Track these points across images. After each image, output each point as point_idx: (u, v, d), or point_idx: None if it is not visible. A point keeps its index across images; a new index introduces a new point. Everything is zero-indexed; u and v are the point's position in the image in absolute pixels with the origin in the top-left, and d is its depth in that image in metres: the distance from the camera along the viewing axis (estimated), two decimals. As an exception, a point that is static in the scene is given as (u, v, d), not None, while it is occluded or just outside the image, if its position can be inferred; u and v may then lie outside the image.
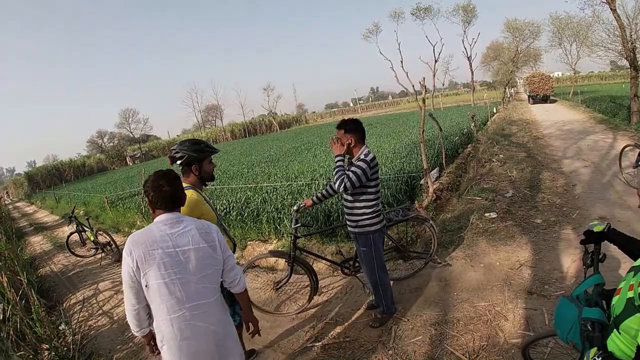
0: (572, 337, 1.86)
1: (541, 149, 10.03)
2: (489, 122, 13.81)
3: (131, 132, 62.66)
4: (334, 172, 3.44)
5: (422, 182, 6.94)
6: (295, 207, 4.10)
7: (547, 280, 4.11)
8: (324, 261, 4.62)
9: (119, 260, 6.88)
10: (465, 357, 3.17)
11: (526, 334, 3.32)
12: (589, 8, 15.05)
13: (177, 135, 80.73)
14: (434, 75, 42.21)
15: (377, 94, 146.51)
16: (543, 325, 3.39)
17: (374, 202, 3.54)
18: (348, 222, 3.69)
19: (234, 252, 2.96)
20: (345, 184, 3.29)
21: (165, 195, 2.11)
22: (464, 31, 41.58)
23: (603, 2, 12.51)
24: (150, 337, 2.23)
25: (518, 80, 45.28)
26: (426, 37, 39.20)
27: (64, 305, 6.29)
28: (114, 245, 7.90)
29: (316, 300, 4.50)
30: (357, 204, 3.53)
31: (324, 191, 4.02)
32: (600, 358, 1.66)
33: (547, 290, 3.92)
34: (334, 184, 3.40)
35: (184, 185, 2.64)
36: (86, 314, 5.65)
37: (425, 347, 3.42)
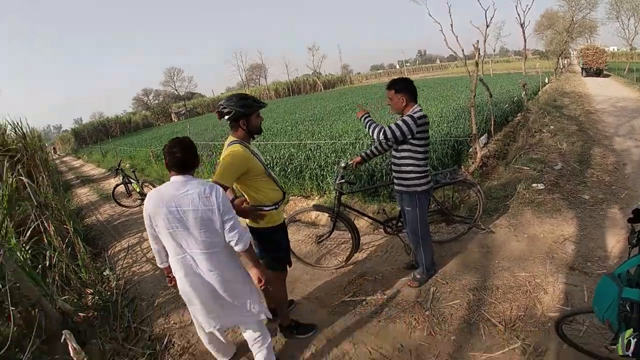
0: (609, 315, 1.86)
1: (593, 124, 9.58)
2: (540, 92, 13.21)
3: (176, 90, 65.30)
4: (367, 128, 3.51)
5: (469, 147, 6.82)
6: (342, 164, 4.14)
7: (590, 257, 4.05)
8: (366, 218, 4.69)
9: None
10: (502, 325, 3.21)
11: (564, 309, 3.31)
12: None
13: (221, 93, 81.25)
14: (485, 40, 39.83)
15: (424, 57, 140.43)
16: (582, 302, 3.37)
17: (423, 162, 3.55)
18: (395, 181, 3.72)
19: (282, 200, 3.13)
20: (385, 132, 3.34)
21: (177, 160, 2.44)
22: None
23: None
24: (169, 270, 2.74)
25: (572, 52, 42.63)
26: (478, 1, 36.18)
27: (109, 252, 6.65)
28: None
29: (356, 257, 4.62)
30: (405, 161, 3.55)
31: (373, 148, 4.03)
32: (635, 340, 1.68)
33: (589, 268, 3.87)
34: (374, 134, 3.43)
35: (232, 139, 2.92)
36: (130, 260, 5.96)
37: (462, 311, 3.48)
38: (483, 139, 7.29)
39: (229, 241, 2.53)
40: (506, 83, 16.41)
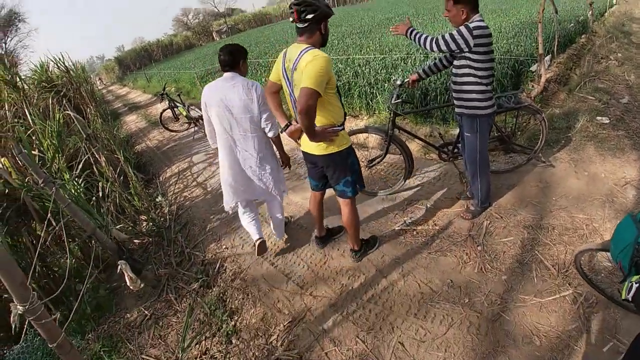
0: (622, 258, 1.82)
1: (669, 53, 8.74)
2: (606, 14, 11.98)
3: (215, 7, 65.17)
4: (416, 41, 3.24)
5: (533, 68, 6.28)
6: (398, 82, 3.80)
7: None
8: (420, 142, 4.44)
9: None
10: (555, 269, 3.13)
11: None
12: None
13: (262, 7, 76.77)
14: None
15: None
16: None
17: (486, 81, 3.22)
18: (455, 102, 3.44)
19: (344, 119, 2.90)
20: (438, 42, 3.09)
21: (223, 61, 3.10)
22: None
23: None
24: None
25: None
26: None
27: (160, 178, 6.71)
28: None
29: (408, 183, 4.48)
30: (466, 79, 3.23)
31: (431, 64, 3.68)
32: (638, 284, 1.67)
33: None
34: (427, 45, 3.17)
35: (306, 46, 2.56)
36: (181, 186, 5.94)
37: (515, 249, 3.41)
38: (547, 60, 6.69)
39: (264, 127, 3.20)
40: (570, 0, 14.91)
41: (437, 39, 3.08)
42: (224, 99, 3.06)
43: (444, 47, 3.08)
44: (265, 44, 20.18)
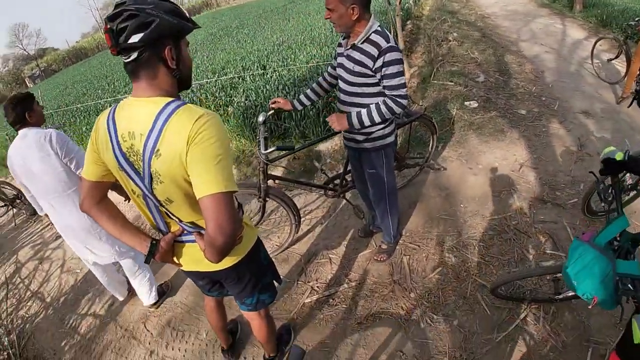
0: (599, 294, 1.65)
1: (493, 29, 9.54)
2: None
3: (25, 50, 59.52)
4: (365, 121, 2.47)
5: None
6: (261, 118, 2.87)
7: (556, 185, 3.81)
8: (304, 188, 3.69)
9: (34, 212, 5.58)
10: (502, 291, 2.71)
11: (556, 254, 3.02)
12: None
13: (77, 42, 71.30)
14: None
15: None
16: (569, 242, 3.06)
17: None
18: (353, 136, 2.73)
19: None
20: (402, 104, 2.38)
21: (9, 122, 2.78)
22: None
23: None
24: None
25: None
26: None
27: None
28: (23, 197, 6.22)
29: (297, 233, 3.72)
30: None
31: (309, 91, 2.97)
32: None
33: (560, 198, 3.63)
34: (388, 114, 2.42)
35: (159, 101, 1.38)
36: (14, 301, 4.29)
37: (450, 282, 2.95)
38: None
39: (75, 171, 2.81)
40: None
41: (393, 97, 2.37)
42: (23, 163, 2.72)
43: (406, 103, 2.40)
44: (83, 83, 18.31)
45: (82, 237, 2.93)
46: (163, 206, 1.55)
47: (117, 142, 1.44)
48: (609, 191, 1.90)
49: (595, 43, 6.53)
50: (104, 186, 1.65)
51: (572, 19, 9.87)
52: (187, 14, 1.46)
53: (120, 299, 3.52)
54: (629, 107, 3.19)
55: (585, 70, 6.54)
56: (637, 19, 5.91)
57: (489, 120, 4.97)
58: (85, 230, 2.88)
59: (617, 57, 6.13)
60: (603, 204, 1.92)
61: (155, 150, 1.37)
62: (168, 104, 1.37)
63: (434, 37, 8.02)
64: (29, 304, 4.13)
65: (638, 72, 5.28)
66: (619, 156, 1.81)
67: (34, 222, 5.78)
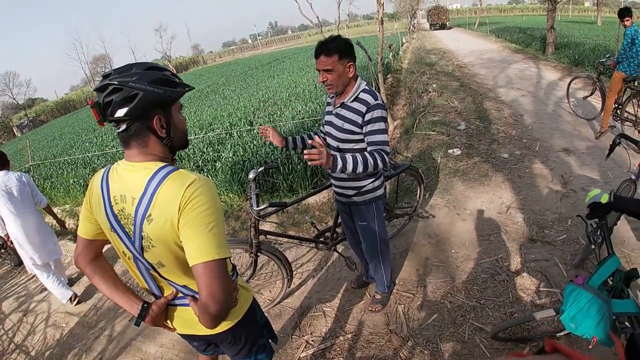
0: (598, 334, 1.71)
1: (470, 77, 10.10)
2: (400, 52, 13.80)
3: (14, 98, 59.04)
4: (351, 168, 2.39)
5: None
6: (251, 175, 3.01)
7: (544, 223, 3.96)
8: (294, 242, 3.79)
9: (19, 263, 5.61)
10: (502, 334, 2.73)
11: (551, 291, 3.10)
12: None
13: (65, 94, 73.00)
14: (339, 5, 43.56)
15: (276, 28, 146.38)
16: (561, 277, 3.23)
17: None
18: (343, 191, 2.83)
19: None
20: (384, 159, 2.43)
21: None
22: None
23: None
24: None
25: (418, 12, 49.99)
26: None
27: None
28: (8, 246, 6.11)
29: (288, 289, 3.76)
30: None
31: (300, 138, 3.03)
32: None
33: (549, 236, 3.77)
34: (372, 166, 2.44)
35: (151, 166, 1.45)
36: None
37: (447, 327, 2.98)
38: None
39: (36, 203, 4.43)
40: (368, 46, 16.97)
41: (378, 151, 2.42)
42: (4, 187, 4.18)
43: (387, 159, 2.48)
44: (71, 135, 18.45)
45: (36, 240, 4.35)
46: (155, 269, 1.58)
47: (110, 203, 1.51)
48: (598, 233, 1.95)
49: (570, 82, 6.95)
50: (97, 244, 1.71)
51: (546, 62, 10.45)
52: (177, 78, 1.53)
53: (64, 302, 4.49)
54: (606, 159, 3.42)
55: (562, 110, 6.89)
56: (608, 55, 6.34)
57: (473, 166, 5.19)
58: (39, 234, 4.38)
59: (592, 94, 6.52)
60: (593, 246, 1.98)
61: (147, 215, 1.42)
62: (160, 169, 1.43)
63: (414, 89, 8.45)
64: (12, 356, 4.04)
65: (614, 106, 5.64)
66: (604, 198, 1.88)
67: (19, 273, 5.72)
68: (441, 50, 18.61)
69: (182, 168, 1.46)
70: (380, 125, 2.45)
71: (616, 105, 5.72)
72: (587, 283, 1.78)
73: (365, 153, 2.41)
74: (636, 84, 5.63)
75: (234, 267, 1.88)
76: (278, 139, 2.90)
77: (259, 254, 3.15)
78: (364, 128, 2.48)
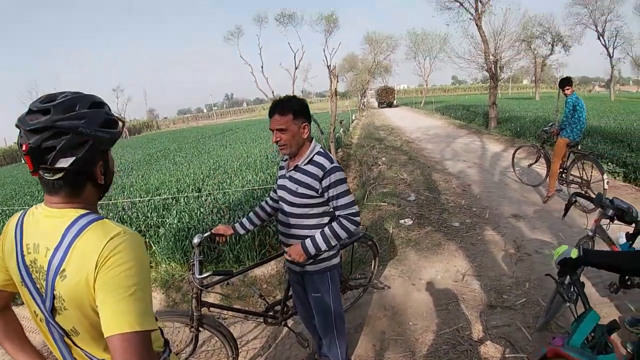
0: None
1: (418, 151, 10.54)
2: (351, 128, 14.44)
3: None
4: (323, 244, 2.43)
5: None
6: (196, 240, 2.83)
7: (501, 289, 3.92)
8: (240, 315, 3.48)
9: None
10: None
11: (517, 356, 3.00)
12: (455, 24, 17.01)
13: (14, 143, 69.70)
14: (294, 82, 46.81)
15: (231, 100, 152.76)
16: (527, 341, 3.14)
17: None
18: (294, 260, 2.62)
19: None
20: (355, 221, 2.40)
21: None
22: (326, 40, 45.86)
23: (470, 19, 14.35)
24: None
25: (368, 91, 53.98)
26: (288, 43, 42.99)
27: None
28: None
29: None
30: (312, 231, 2.53)
31: (252, 215, 2.92)
32: None
33: (508, 301, 3.71)
34: (335, 233, 2.40)
35: (71, 214, 1.23)
36: None
37: None
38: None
39: None
40: (320, 121, 17.77)
41: (356, 221, 2.39)
42: None
43: (359, 220, 2.43)
44: (12, 186, 17.25)
45: None
46: (69, 337, 1.30)
47: (22, 251, 1.27)
48: (572, 289, 1.91)
49: (515, 152, 7.34)
50: (6, 296, 1.43)
51: (489, 135, 11.08)
52: (116, 117, 1.36)
53: None
54: (562, 218, 3.51)
55: (509, 178, 7.17)
56: (550, 124, 6.84)
57: (425, 236, 5.16)
58: None
59: (536, 161, 6.90)
60: (568, 304, 1.92)
61: (61, 269, 1.18)
62: (81, 216, 1.22)
63: (364, 162, 8.67)
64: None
65: (559, 171, 5.93)
66: (574, 253, 1.85)
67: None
68: (389, 127, 19.58)
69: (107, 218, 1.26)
70: (342, 188, 2.37)
71: (561, 170, 6.06)
72: (568, 343, 1.67)
73: (333, 224, 2.38)
74: (579, 148, 6.10)
75: (167, 342, 1.57)
76: (229, 231, 2.83)
77: (200, 328, 2.84)
78: (324, 194, 2.39)
